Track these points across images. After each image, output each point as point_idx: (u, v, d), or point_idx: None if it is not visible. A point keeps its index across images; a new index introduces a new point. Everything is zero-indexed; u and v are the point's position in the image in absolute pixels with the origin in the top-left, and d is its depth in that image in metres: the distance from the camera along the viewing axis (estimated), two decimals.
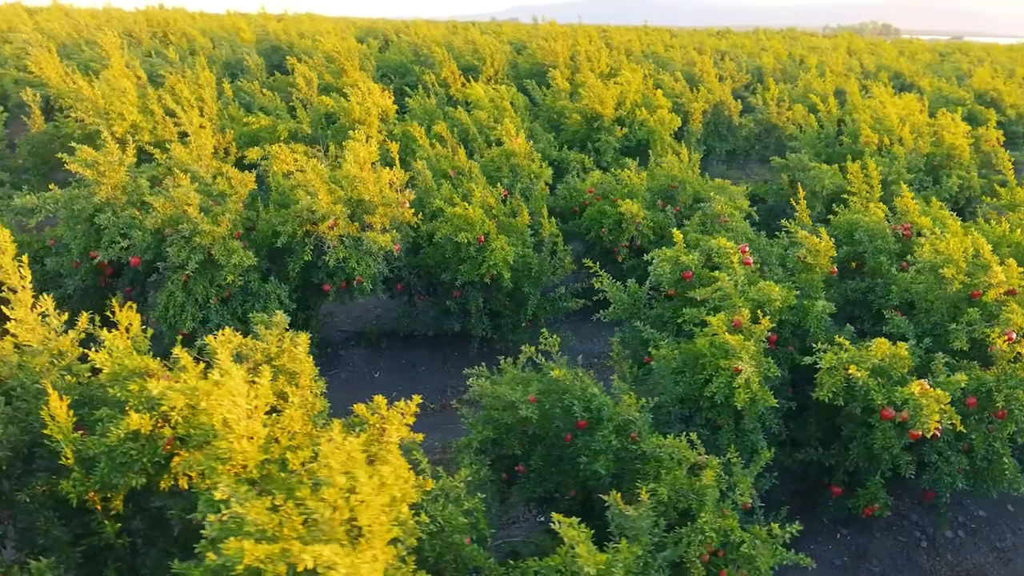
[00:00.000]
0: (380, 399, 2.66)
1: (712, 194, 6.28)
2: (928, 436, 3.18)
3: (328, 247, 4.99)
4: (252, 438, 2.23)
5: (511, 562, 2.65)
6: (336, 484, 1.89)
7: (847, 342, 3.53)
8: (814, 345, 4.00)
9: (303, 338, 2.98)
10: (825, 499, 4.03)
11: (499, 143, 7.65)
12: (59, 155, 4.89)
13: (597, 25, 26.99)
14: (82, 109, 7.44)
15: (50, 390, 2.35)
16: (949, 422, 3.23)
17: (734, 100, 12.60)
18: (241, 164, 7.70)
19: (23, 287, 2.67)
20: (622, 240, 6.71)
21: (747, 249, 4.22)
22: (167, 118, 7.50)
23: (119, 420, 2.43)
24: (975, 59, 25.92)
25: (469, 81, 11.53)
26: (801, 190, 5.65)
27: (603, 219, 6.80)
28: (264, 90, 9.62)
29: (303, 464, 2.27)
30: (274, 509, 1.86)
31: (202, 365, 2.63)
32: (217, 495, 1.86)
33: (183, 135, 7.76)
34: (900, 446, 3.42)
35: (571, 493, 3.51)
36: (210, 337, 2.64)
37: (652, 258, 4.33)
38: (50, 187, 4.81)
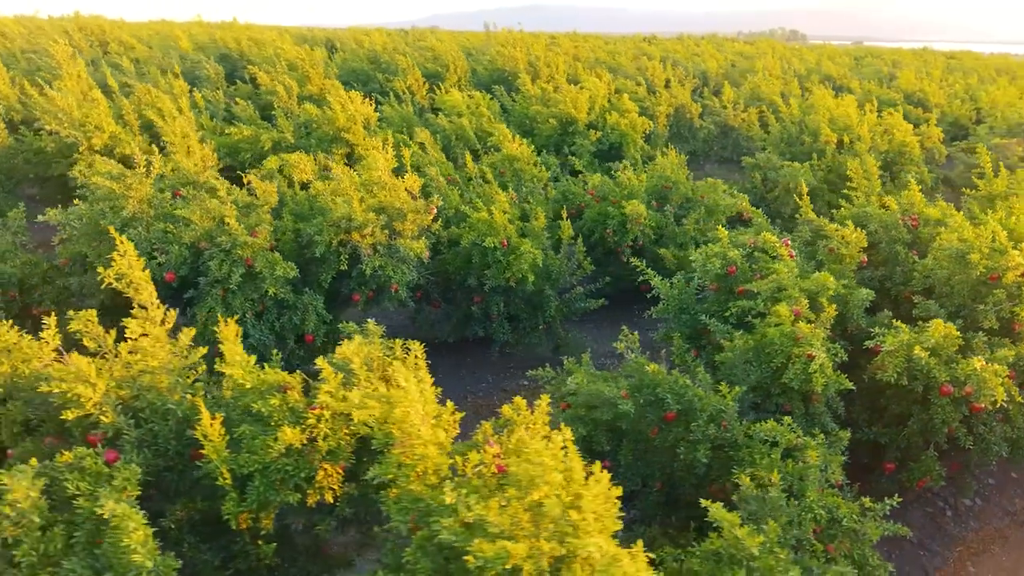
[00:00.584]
0: (520, 400, 2.67)
1: (723, 193, 6.51)
2: (992, 408, 3.43)
3: (363, 255, 4.92)
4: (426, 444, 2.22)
5: (654, 552, 2.71)
6: (552, 482, 1.91)
7: (904, 326, 3.77)
8: (855, 330, 4.24)
9: (418, 346, 2.95)
10: (877, 476, 4.25)
11: (496, 148, 7.70)
12: (72, 171, 4.63)
13: (529, 32, 27.36)
14: (54, 121, 7.03)
15: (203, 409, 2.26)
16: (1007, 394, 3.49)
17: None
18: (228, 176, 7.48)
19: (152, 303, 2.54)
20: (626, 240, 6.87)
21: (789, 242, 4.43)
22: (168, 120, 7.16)
23: (267, 436, 2.36)
24: (889, 62, 27.54)
25: (439, 88, 11.53)
26: (804, 186, 5.93)
27: (607, 220, 6.94)
28: (238, 99, 9.33)
29: (474, 467, 2.27)
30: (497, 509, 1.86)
31: (340, 376, 2.58)
32: (447, 499, 1.84)
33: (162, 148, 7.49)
34: (958, 419, 3.67)
35: (658, 485, 3.60)
36: (344, 346, 2.59)
37: (697, 256, 4.47)
38: (75, 202, 4.55)
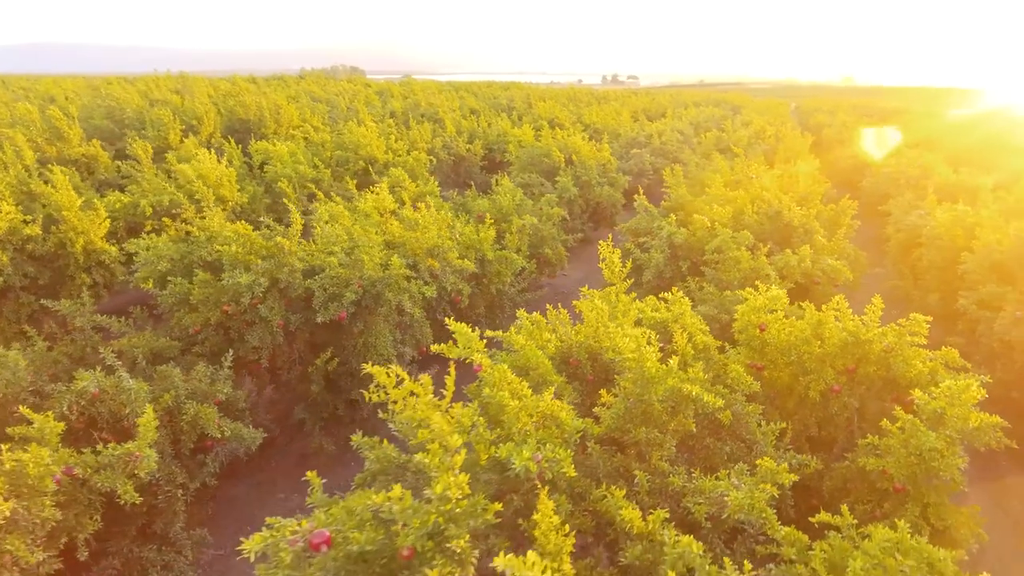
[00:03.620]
0: None
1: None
2: (843, 283, 6.63)
3: (440, 276, 6.07)
4: None
5: None
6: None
7: (790, 252, 6.75)
8: None
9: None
10: None
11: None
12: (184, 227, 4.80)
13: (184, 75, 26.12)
14: None
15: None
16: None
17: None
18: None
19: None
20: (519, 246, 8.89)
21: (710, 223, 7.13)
22: (61, 190, 6.56)
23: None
24: (482, 95, 33.35)
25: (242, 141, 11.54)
26: (641, 189, 8.77)
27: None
28: (51, 166, 8.37)
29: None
30: None
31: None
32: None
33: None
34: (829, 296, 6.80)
35: None
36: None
37: (664, 235, 6.88)
38: (258, 261, 4.76)
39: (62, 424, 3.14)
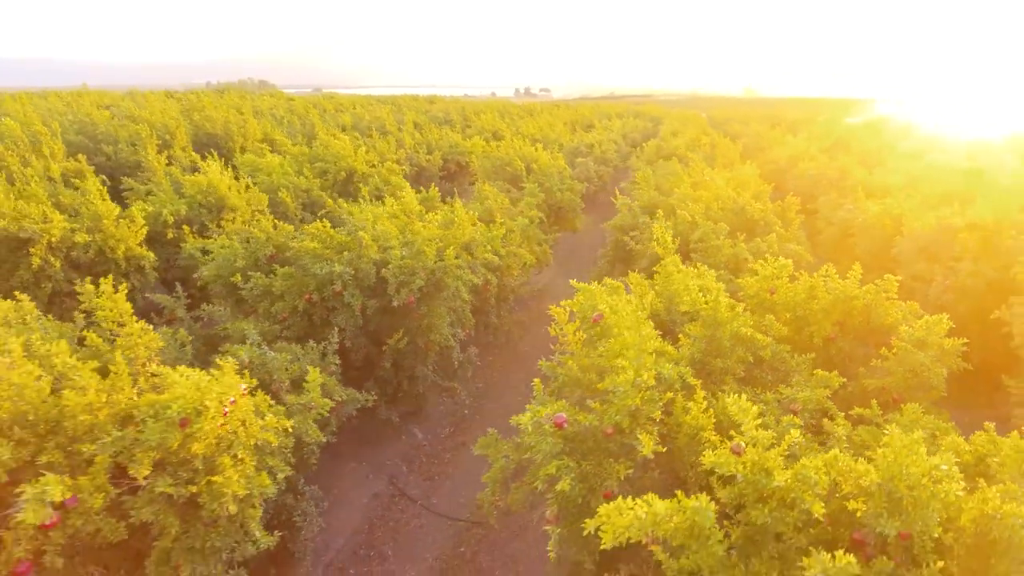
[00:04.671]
0: None
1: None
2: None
3: (476, 266, 6.88)
4: None
5: None
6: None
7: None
8: None
9: None
10: None
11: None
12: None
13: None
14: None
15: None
16: None
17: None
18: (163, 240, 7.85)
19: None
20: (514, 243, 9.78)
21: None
22: (99, 203, 6.96)
23: None
24: (422, 110, 34.06)
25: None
26: (619, 192, 9.83)
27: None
28: (76, 180, 8.64)
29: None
30: None
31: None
32: None
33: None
34: None
35: None
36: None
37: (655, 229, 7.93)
38: (342, 253, 5.41)
39: (255, 380, 3.81)
